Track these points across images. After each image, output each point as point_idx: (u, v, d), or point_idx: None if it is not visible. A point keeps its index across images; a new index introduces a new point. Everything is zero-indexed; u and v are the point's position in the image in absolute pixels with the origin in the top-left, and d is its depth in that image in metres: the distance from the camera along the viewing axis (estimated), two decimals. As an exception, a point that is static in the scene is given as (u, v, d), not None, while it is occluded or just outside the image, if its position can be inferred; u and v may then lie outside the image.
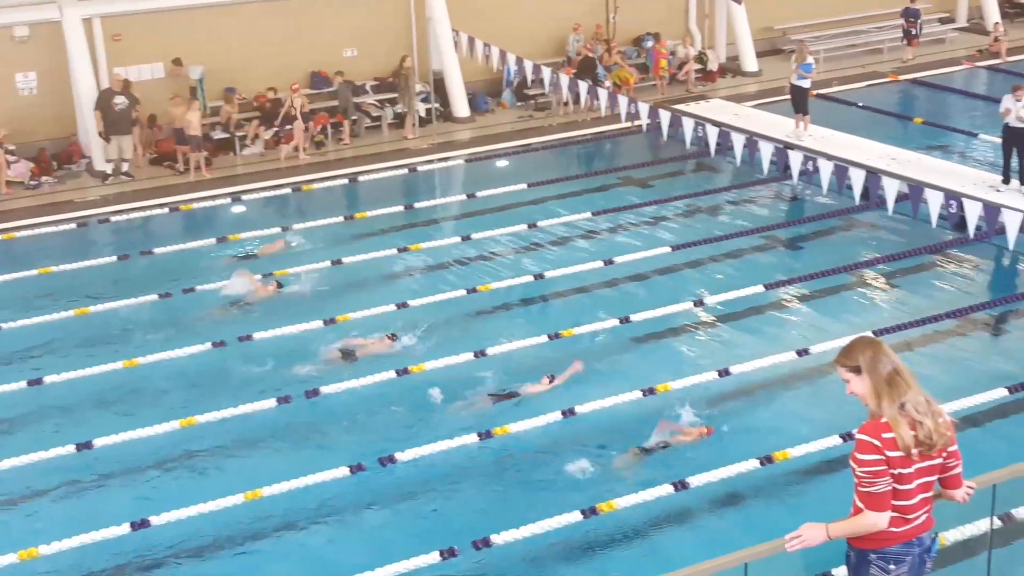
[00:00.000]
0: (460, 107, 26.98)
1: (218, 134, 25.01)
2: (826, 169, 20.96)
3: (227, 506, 12.74)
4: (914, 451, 6.63)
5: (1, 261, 19.80)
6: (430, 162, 24.49)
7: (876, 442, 6.63)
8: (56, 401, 15.23)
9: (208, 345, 16.43)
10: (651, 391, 14.84)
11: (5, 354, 16.50)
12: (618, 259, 19.10)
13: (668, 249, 19.47)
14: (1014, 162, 20.70)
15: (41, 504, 13.14)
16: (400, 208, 21.80)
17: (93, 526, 12.38)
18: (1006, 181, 20.83)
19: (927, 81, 29.11)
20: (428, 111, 26.52)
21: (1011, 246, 18.41)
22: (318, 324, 16.97)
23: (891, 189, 19.84)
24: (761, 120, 25.35)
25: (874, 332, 15.94)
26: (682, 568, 7.56)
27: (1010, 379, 14.91)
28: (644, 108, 24.18)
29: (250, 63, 25.57)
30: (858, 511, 6.80)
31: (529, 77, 26.36)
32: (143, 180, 23.52)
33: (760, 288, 17.84)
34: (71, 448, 13.92)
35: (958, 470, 6.97)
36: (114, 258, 19.82)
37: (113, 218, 21.77)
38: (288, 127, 25.24)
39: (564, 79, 25.47)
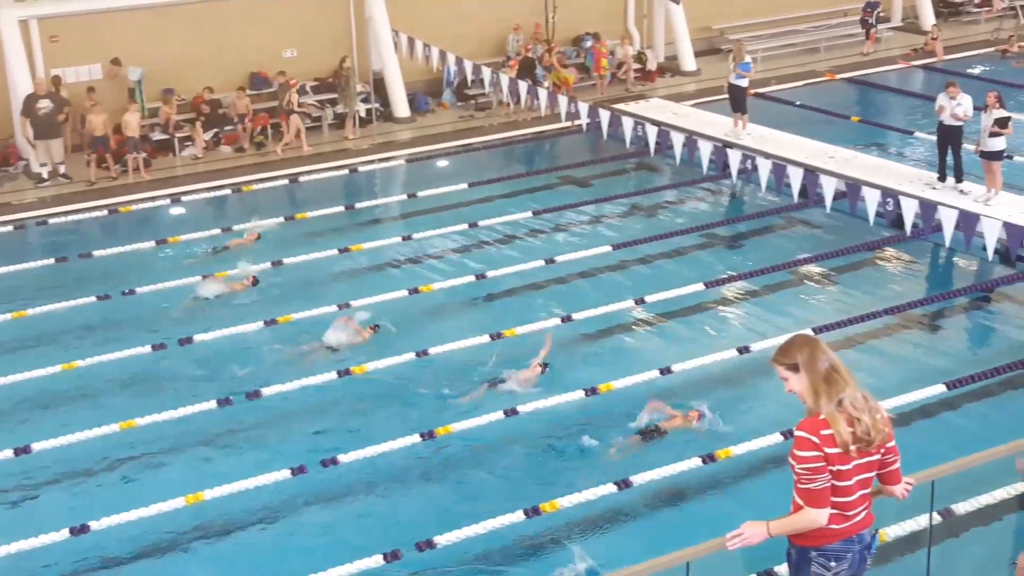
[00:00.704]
0: (400, 107, 26.91)
1: (157, 135, 24.77)
2: (764, 167, 21.13)
3: (168, 510, 12.61)
4: (852, 447, 6.69)
5: (-64, 264, 19.54)
6: (371, 162, 24.42)
7: (814, 439, 6.68)
8: (-7, 405, 15.05)
9: (148, 347, 16.28)
10: (593, 391, 14.88)
11: (-60, 358, 16.28)
12: (559, 258, 19.14)
13: (609, 248, 19.54)
14: (949, 160, 20.93)
15: (-22, 510, 12.98)
16: (341, 208, 21.72)
17: (31, 531, 12.20)
18: (942, 179, 21.09)
19: (863, 80, 29.42)
20: (368, 111, 26.43)
21: (947, 243, 18.64)
22: (259, 325, 16.87)
23: (829, 187, 20.03)
24: (700, 119, 25.50)
25: (813, 329, 16.09)
26: (623, 568, 7.59)
27: (948, 375, 15.09)
28: (584, 108, 24.25)
29: (189, 64, 25.37)
30: (798, 508, 6.85)
31: (469, 77, 26.35)
32: (81, 183, 23.23)
33: (700, 286, 17.94)
34: (9, 453, 13.73)
35: (896, 466, 7.04)
36: (51, 260, 19.58)
37: (51, 220, 21.51)
38: (229, 127, 25.11)
39: (504, 79, 25.49)
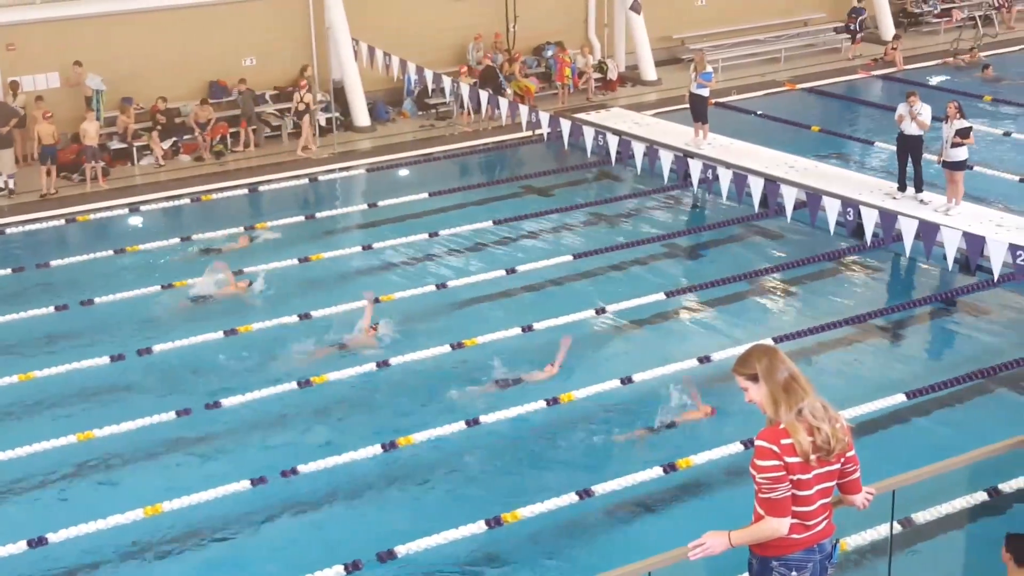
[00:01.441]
0: (361, 116, 26.83)
1: (115, 144, 24.59)
2: (725, 177, 21.18)
3: (126, 522, 12.53)
4: (812, 457, 6.68)
5: None
6: (331, 172, 24.31)
7: (775, 448, 6.66)
8: (-52, 417, 14.87)
9: (106, 358, 16.13)
10: (555, 400, 14.86)
11: None
12: (521, 267, 19.12)
13: (570, 257, 19.53)
14: (909, 169, 21.05)
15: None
16: (301, 218, 21.60)
17: (-13, 545, 12.09)
18: (902, 188, 21.19)
19: (824, 90, 29.58)
20: (328, 120, 26.33)
21: (907, 253, 18.74)
22: (219, 335, 16.76)
23: (789, 197, 20.09)
24: (661, 129, 25.54)
25: (774, 339, 16.15)
26: (587, 578, 7.56)
27: (908, 385, 15.16)
28: (545, 117, 24.25)
29: (148, 72, 25.19)
30: (759, 518, 6.83)
31: (430, 86, 26.30)
32: (31, 193, 23.00)
33: (661, 296, 17.97)
34: (-36, 466, 13.59)
35: (856, 475, 7.03)
36: (8, 271, 19.39)
37: (8, 230, 21.28)
38: (188, 136, 24.95)
39: (465, 88, 25.45)
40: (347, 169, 24.50)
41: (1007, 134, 25.41)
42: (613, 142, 23.28)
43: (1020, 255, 17.12)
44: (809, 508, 6.79)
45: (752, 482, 6.78)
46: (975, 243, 17.78)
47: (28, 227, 21.42)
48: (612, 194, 22.96)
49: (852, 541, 11.34)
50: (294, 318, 17.28)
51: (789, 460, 6.64)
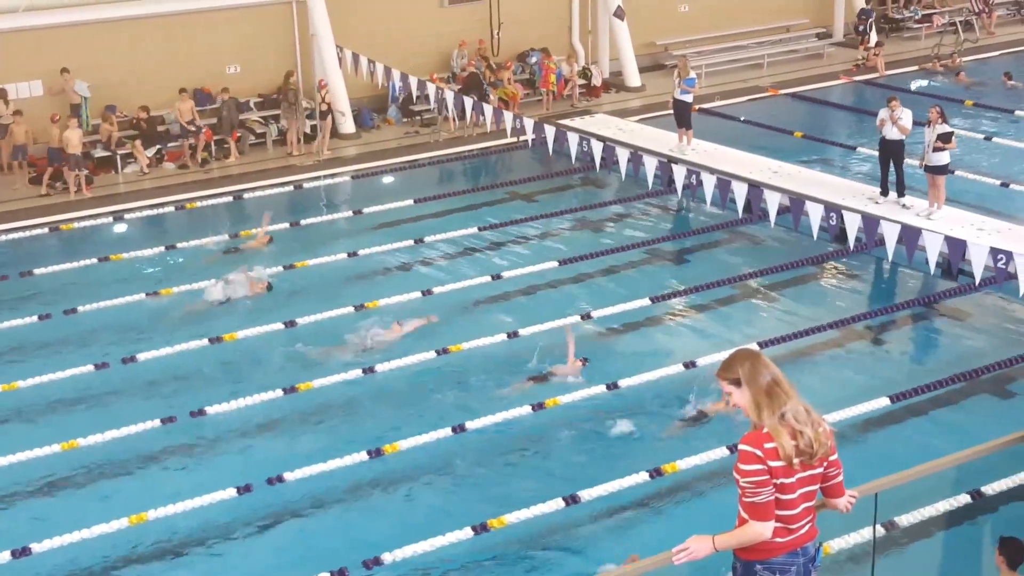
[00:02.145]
0: (346, 123, 26.85)
1: (99, 152, 24.56)
2: (709, 183, 21.23)
3: (111, 531, 12.49)
4: (795, 460, 6.71)
5: None
6: (316, 179, 24.31)
7: (758, 452, 6.70)
8: (-69, 427, 14.82)
9: (90, 367, 16.10)
10: (540, 406, 14.88)
11: None
12: (506, 273, 19.15)
13: (555, 263, 19.57)
14: (891, 174, 21.13)
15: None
16: (286, 225, 21.60)
17: (-29, 555, 12.06)
18: (884, 193, 21.28)
19: (806, 95, 29.68)
20: (313, 128, 26.33)
21: (890, 257, 18.80)
22: (203, 343, 16.75)
23: (773, 202, 20.15)
24: (645, 134, 25.62)
25: (759, 344, 16.20)
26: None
27: (892, 388, 15.21)
28: (529, 123, 24.28)
29: (132, 80, 25.18)
30: (743, 522, 6.86)
31: (415, 93, 26.31)
32: (24, 200, 22.98)
33: (646, 301, 18.00)
34: (-52, 475, 13.56)
35: (839, 479, 7.06)
36: (-8, 279, 19.39)
37: (-9, 239, 21.29)
38: (172, 144, 24.93)
39: (450, 95, 25.47)
40: (332, 176, 24.50)
41: (988, 138, 25.53)
42: (597, 148, 23.32)
43: (1001, 259, 17.20)
44: (792, 512, 6.81)
45: (736, 486, 6.81)
46: (956, 247, 17.86)
47: (11, 236, 21.37)
48: (597, 200, 23.00)
49: (835, 544, 11.38)
50: (279, 325, 17.27)
51: (772, 464, 6.67)
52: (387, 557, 11.94)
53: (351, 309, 17.84)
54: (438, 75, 27.55)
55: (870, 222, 18.98)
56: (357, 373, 15.86)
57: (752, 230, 21.03)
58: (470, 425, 14.46)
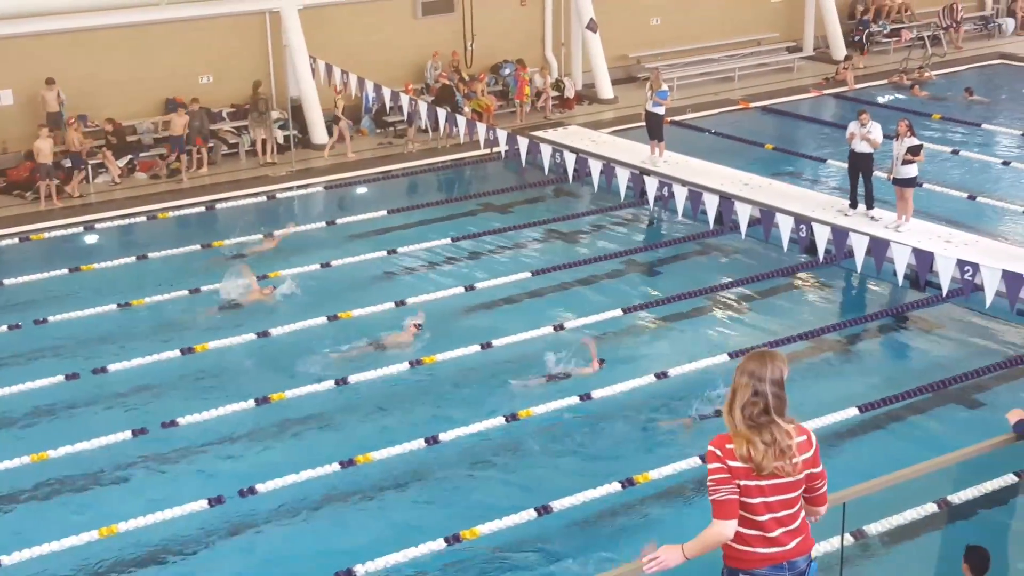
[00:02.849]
0: (318, 134, 26.86)
1: (69, 162, 24.46)
2: (681, 194, 21.33)
3: (81, 543, 12.45)
4: (761, 467, 6.71)
5: None
6: (289, 189, 24.31)
7: (718, 451, 6.76)
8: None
9: (60, 377, 16.04)
10: (514, 416, 14.92)
11: None
12: (479, 285, 19.18)
13: (528, 274, 19.62)
14: (860, 187, 21.30)
15: None
16: (259, 236, 21.56)
17: (-59, 567, 12.01)
18: (853, 205, 21.45)
19: (777, 108, 29.87)
20: (286, 138, 26.33)
21: (859, 269, 18.93)
22: (175, 354, 16.71)
23: (744, 214, 20.27)
24: (617, 146, 25.73)
25: (728, 354, 16.30)
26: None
27: (860, 398, 15.32)
28: (503, 135, 24.35)
29: (104, 90, 25.13)
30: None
31: (388, 104, 26.33)
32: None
33: (619, 312, 18.07)
34: (-84, 486, 13.49)
35: (822, 490, 7.08)
36: (-40, 290, 19.30)
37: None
38: (144, 154, 24.88)
39: (423, 106, 25.50)
40: (305, 187, 24.50)
41: (955, 152, 25.76)
42: (570, 160, 23.41)
43: (968, 271, 17.37)
44: (760, 518, 6.82)
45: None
46: (924, 259, 18.02)
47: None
48: (570, 211, 23.07)
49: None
50: (252, 335, 17.26)
51: (731, 464, 6.73)
52: (359, 569, 11.94)
53: (324, 320, 17.84)
54: (412, 86, 27.56)
55: (839, 234, 19.13)
56: (330, 384, 15.86)
57: (723, 242, 21.14)
58: (443, 436, 14.48)
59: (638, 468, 13.67)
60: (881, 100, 30.12)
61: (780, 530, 6.88)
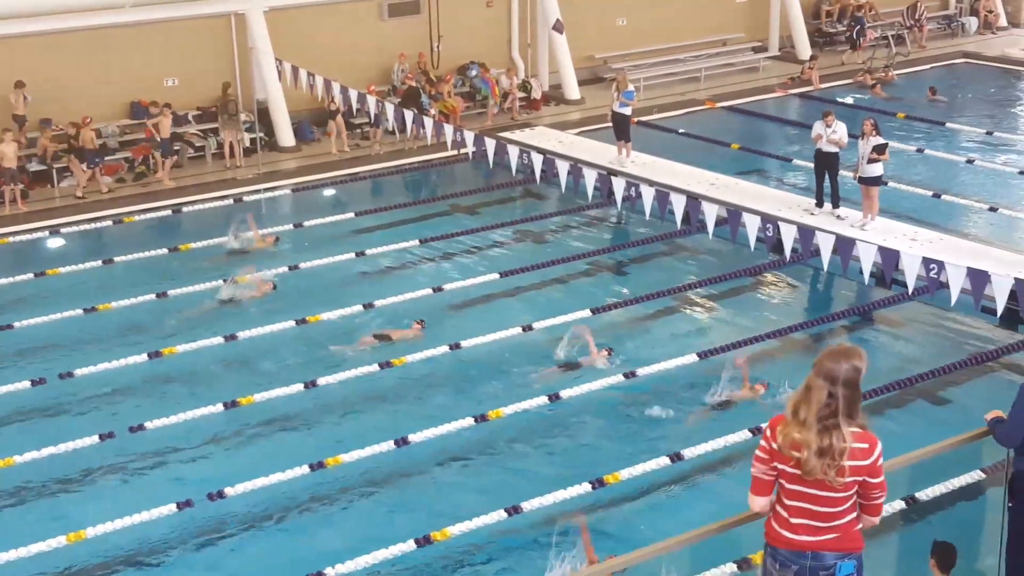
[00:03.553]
0: (285, 136, 26.79)
1: (35, 166, 24.33)
2: (648, 195, 21.37)
3: (47, 549, 12.39)
4: (794, 456, 6.71)
5: None
6: (256, 192, 24.22)
7: (768, 431, 6.87)
8: None
9: (27, 383, 15.95)
10: (483, 417, 14.93)
11: None
12: (447, 286, 19.18)
13: (496, 275, 19.63)
14: (826, 186, 21.42)
15: None
16: (226, 239, 21.47)
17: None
18: (819, 204, 21.56)
19: (743, 108, 29.99)
20: (253, 141, 26.24)
21: (825, 267, 19.04)
22: (142, 358, 16.64)
23: (711, 214, 20.31)
24: (585, 147, 25.76)
25: (697, 354, 16.36)
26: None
27: (828, 396, 15.37)
28: (470, 136, 24.33)
29: (67, 94, 24.94)
30: None
31: (354, 106, 26.28)
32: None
33: (587, 312, 18.09)
34: None
35: (878, 501, 7.03)
36: (-75, 295, 19.14)
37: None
38: (109, 158, 24.74)
39: (389, 108, 25.46)
40: (272, 189, 24.43)
41: (920, 151, 25.94)
42: (538, 161, 23.40)
43: (933, 268, 17.48)
44: (789, 503, 6.88)
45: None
46: (890, 257, 18.13)
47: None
48: (537, 212, 23.11)
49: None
50: (220, 339, 17.21)
51: (774, 446, 6.81)
52: (329, 572, 11.93)
53: (292, 323, 17.80)
54: (376, 87, 27.51)
55: (806, 233, 19.21)
56: (299, 387, 15.83)
57: (690, 241, 21.22)
58: (412, 438, 14.47)
59: (612, 468, 13.70)
60: (845, 100, 30.25)
61: (803, 521, 6.88)
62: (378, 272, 20.10)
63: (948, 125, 27.99)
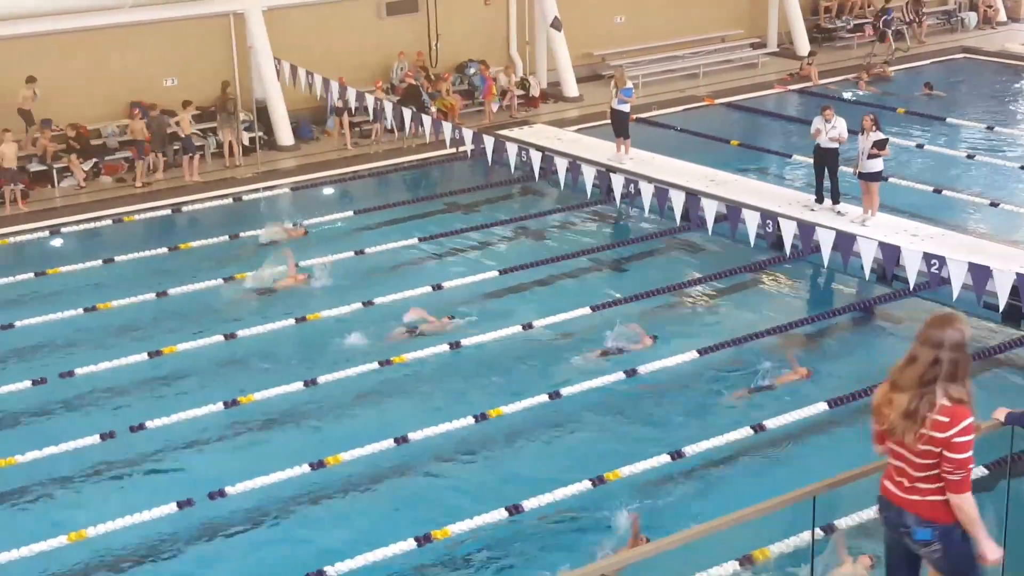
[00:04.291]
0: (284, 135, 26.78)
1: (35, 166, 24.32)
2: (647, 191, 21.38)
3: (49, 549, 12.38)
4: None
5: None
6: (255, 191, 24.21)
7: (879, 390, 7.30)
8: None
9: (27, 383, 15.94)
10: (483, 416, 14.92)
11: None
12: (447, 284, 19.16)
13: (495, 273, 19.62)
14: (826, 182, 21.40)
15: None
16: (225, 238, 21.48)
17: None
18: (819, 200, 21.54)
19: (742, 104, 29.98)
20: (252, 140, 26.23)
21: (826, 263, 19.04)
22: (142, 357, 16.63)
23: (710, 210, 20.31)
24: (583, 144, 25.73)
25: (698, 351, 16.34)
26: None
27: (829, 393, 15.38)
28: (468, 134, 24.33)
29: (67, 94, 24.95)
30: None
31: (353, 105, 26.28)
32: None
33: (587, 310, 18.09)
34: None
35: (949, 478, 7.02)
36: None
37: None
38: (108, 157, 24.72)
39: (388, 106, 25.46)
40: (271, 188, 24.41)
41: (920, 146, 25.92)
42: (536, 158, 23.42)
43: (934, 264, 17.48)
44: (890, 457, 7.30)
45: None
46: (891, 253, 18.12)
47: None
48: (536, 209, 23.09)
49: (775, 548, 11.58)
50: (220, 338, 17.20)
51: (875, 401, 7.35)
52: (330, 571, 11.93)
53: (292, 321, 17.80)
54: (381, 84, 27.51)
55: (806, 229, 19.21)
56: (299, 385, 15.82)
57: (690, 238, 21.21)
58: (412, 436, 14.46)
59: (610, 465, 13.70)
60: (846, 96, 30.26)
61: (894, 476, 7.27)
62: (377, 271, 20.06)
63: (949, 120, 27.96)
